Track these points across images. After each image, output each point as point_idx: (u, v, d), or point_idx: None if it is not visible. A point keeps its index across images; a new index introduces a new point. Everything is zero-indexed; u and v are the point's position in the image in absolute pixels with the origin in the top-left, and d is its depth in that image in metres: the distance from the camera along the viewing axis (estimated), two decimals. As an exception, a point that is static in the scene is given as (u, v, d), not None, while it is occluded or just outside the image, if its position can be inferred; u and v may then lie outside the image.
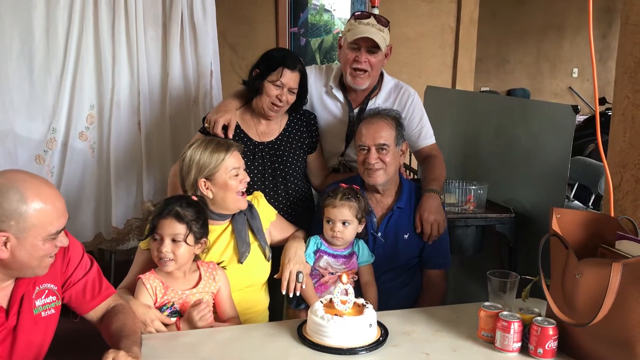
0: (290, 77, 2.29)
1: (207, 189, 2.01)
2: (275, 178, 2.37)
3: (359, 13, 2.43)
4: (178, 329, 1.82)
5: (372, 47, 2.37)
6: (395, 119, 2.28)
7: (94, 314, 1.71)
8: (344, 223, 2.11)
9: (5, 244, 1.41)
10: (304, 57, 4.98)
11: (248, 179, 2.08)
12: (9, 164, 2.83)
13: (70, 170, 2.95)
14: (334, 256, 2.16)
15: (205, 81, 3.01)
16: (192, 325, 1.81)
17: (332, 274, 2.16)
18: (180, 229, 1.83)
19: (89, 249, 3.02)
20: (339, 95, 2.51)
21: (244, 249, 2.05)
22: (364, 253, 2.20)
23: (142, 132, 2.97)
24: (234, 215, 2.09)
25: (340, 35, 2.52)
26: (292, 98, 2.33)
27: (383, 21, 2.40)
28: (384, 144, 2.19)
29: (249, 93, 2.38)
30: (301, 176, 2.46)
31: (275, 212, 2.25)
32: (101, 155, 2.99)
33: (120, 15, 2.83)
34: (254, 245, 2.09)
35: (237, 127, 2.37)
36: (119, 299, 1.76)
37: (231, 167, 2.01)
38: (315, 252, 2.16)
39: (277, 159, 2.38)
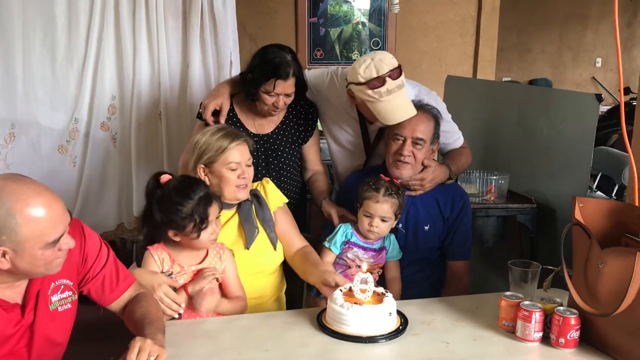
0: (284, 86, 2.23)
1: (205, 175, 1.99)
2: (268, 172, 2.35)
3: (375, 81, 2.08)
4: (186, 292, 1.81)
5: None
6: (435, 118, 2.23)
7: (116, 305, 1.69)
8: (383, 219, 2.08)
9: (4, 255, 1.34)
10: (323, 47, 4.96)
11: (248, 175, 2.00)
12: (32, 154, 2.89)
13: (92, 161, 2.97)
14: (364, 249, 2.13)
15: (225, 72, 3.00)
16: (200, 287, 1.82)
17: (359, 266, 2.10)
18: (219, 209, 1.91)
19: (111, 238, 3.04)
20: (352, 112, 2.40)
21: (251, 232, 2.02)
22: (394, 248, 2.17)
23: (162, 122, 2.98)
24: (240, 203, 2.07)
25: (349, 87, 2.20)
26: (289, 100, 2.29)
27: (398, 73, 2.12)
28: (421, 138, 2.16)
29: (245, 96, 2.33)
30: (295, 170, 2.43)
31: (286, 200, 2.19)
32: (123, 146, 3.01)
33: (141, 6, 2.84)
34: (262, 234, 2.06)
35: (236, 117, 2.35)
36: (140, 287, 1.73)
37: (230, 160, 1.96)
38: (344, 243, 2.13)
39: (272, 153, 2.36)
